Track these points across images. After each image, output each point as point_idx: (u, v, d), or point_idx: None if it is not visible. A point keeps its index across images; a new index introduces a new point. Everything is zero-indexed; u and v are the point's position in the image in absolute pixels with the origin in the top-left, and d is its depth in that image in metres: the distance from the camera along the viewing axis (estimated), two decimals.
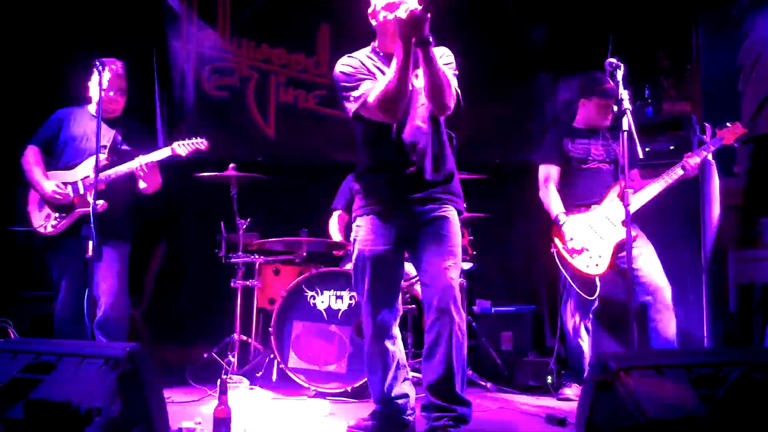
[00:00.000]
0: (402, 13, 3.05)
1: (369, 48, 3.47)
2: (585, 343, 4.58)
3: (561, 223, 4.50)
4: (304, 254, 5.10)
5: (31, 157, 4.46)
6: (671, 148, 5.10)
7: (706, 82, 5.75)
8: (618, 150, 4.52)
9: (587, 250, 4.42)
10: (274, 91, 6.39)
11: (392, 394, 3.43)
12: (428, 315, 3.27)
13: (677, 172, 4.42)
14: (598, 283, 4.45)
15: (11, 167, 4.57)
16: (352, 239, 3.49)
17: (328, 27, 6.30)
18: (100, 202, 4.26)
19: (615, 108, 4.07)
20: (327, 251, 5.37)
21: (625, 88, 3.63)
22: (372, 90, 3.23)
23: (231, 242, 5.13)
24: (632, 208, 4.31)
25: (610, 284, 4.58)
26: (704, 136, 5.08)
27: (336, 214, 5.47)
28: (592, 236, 4.43)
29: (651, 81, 5.97)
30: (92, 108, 4.50)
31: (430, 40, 3.11)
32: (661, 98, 5.98)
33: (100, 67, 4.05)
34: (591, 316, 4.60)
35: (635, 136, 3.53)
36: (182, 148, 4.47)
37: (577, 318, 4.56)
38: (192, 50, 6.34)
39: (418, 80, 3.31)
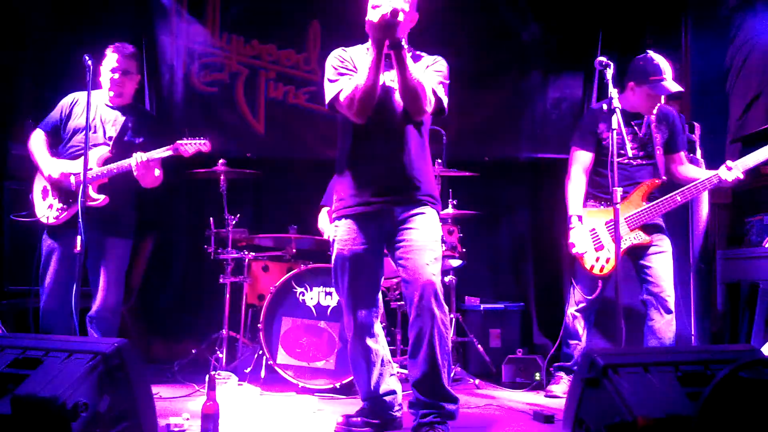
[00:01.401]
0: (374, 16, 3.09)
1: (367, 43, 3.45)
2: (581, 328, 4.53)
3: (571, 227, 4.42)
4: (294, 250, 5.09)
5: (36, 140, 4.46)
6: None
7: (695, 82, 5.77)
8: (656, 143, 4.44)
9: (596, 251, 4.38)
10: (264, 87, 6.37)
11: (379, 391, 3.43)
12: (410, 312, 3.27)
13: (710, 184, 4.31)
14: (600, 284, 4.42)
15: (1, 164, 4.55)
16: (330, 239, 3.50)
17: (318, 24, 6.28)
18: (101, 197, 4.25)
19: (662, 101, 4.03)
20: (316, 248, 5.37)
21: (614, 87, 3.64)
22: (345, 87, 3.27)
23: (220, 238, 5.12)
24: (655, 214, 4.31)
25: (611, 283, 4.56)
26: (693, 136, 5.10)
27: (325, 210, 5.46)
28: (605, 236, 4.40)
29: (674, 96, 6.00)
30: (103, 95, 4.48)
31: (403, 44, 3.16)
32: None
33: (89, 62, 4.02)
34: (593, 312, 4.57)
35: (624, 133, 3.55)
36: (187, 146, 4.42)
37: (582, 306, 4.52)
38: (181, 45, 6.31)
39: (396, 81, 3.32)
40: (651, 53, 3.77)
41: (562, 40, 6.21)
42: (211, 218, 5.11)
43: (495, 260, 6.28)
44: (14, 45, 5.74)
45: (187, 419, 3.41)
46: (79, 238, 3.69)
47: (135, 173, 4.28)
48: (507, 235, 6.34)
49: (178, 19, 6.32)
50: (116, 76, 4.43)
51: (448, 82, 3.45)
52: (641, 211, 4.34)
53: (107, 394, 2.67)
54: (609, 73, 3.66)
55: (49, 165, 4.34)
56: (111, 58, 4.43)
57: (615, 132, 3.56)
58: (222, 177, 5.02)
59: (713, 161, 4.65)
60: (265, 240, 5.20)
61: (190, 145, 4.43)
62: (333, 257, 3.44)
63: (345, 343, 4.53)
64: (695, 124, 5.21)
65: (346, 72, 3.37)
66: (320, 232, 5.28)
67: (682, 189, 4.33)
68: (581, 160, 4.54)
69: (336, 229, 3.44)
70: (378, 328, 3.47)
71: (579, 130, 4.63)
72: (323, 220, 5.40)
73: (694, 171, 4.53)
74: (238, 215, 5.07)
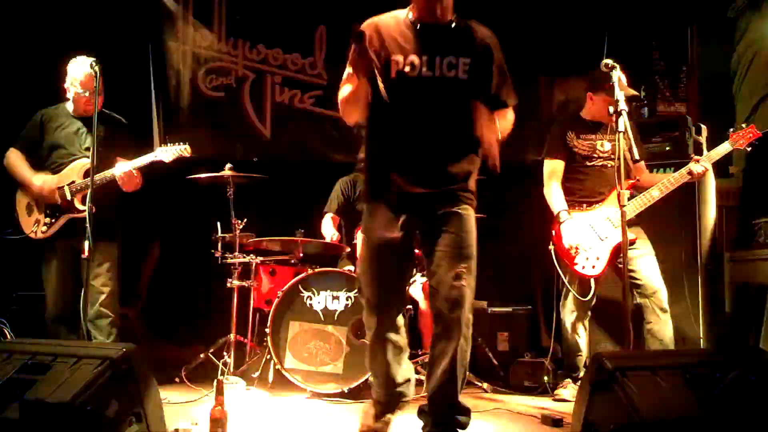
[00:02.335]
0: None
1: (406, 13, 3.20)
2: (582, 340, 4.57)
3: (562, 220, 4.45)
4: (301, 254, 5.09)
5: (14, 157, 4.46)
6: (667, 148, 5.11)
7: (702, 83, 5.77)
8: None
9: (585, 250, 4.41)
10: (270, 91, 6.38)
11: (396, 381, 3.30)
12: (435, 323, 3.16)
13: (683, 177, 4.39)
14: (593, 285, 4.44)
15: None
16: (359, 230, 3.42)
17: (324, 28, 6.29)
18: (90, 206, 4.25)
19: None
20: (323, 251, 5.37)
21: (621, 90, 3.64)
22: (342, 89, 3.17)
23: (227, 242, 5.12)
24: (634, 210, 4.35)
25: (607, 284, 4.58)
26: (699, 138, 5.10)
27: (328, 216, 5.46)
28: (591, 236, 4.41)
29: (646, 82, 5.99)
30: (69, 106, 4.49)
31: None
32: (656, 99, 5.99)
33: (96, 68, 4.03)
34: (589, 314, 4.59)
35: (631, 136, 3.55)
36: (166, 154, 4.44)
37: (575, 316, 4.55)
38: (188, 50, 6.33)
39: (441, 70, 3.12)
40: (607, 61, 3.77)
41: (568, 44, 6.20)
42: (218, 222, 5.12)
43: (502, 263, 6.26)
44: (13, 48, 5.77)
45: (196, 424, 3.41)
46: (87, 242, 3.71)
47: (121, 182, 4.31)
48: (514, 239, 6.33)
49: (184, 24, 6.35)
50: (87, 94, 4.39)
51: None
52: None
53: (115, 399, 2.68)
54: (615, 75, 3.66)
55: (37, 180, 4.34)
56: (83, 70, 4.37)
57: (622, 134, 3.55)
58: (229, 181, 5.03)
59: (720, 163, 4.64)
60: (272, 244, 5.20)
61: (171, 152, 4.44)
62: (360, 246, 3.33)
63: (353, 347, 4.55)
64: (702, 125, 5.20)
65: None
66: (323, 236, 5.29)
67: (658, 183, 4.40)
68: (554, 169, 4.61)
69: (365, 217, 3.27)
70: (401, 320, 3.29)
71: (550, 141, 4.71)
72: (326, 224, 5.40)
73: (651, 178, 4.60)
74: (245, 219, 5.07)
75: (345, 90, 3.14)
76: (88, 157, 4.36)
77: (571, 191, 4.58)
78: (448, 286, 3.10)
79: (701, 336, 4.84)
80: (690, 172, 4.38)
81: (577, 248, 4.41)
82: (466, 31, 3.18)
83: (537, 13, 6.22)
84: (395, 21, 3.18)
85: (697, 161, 4.41)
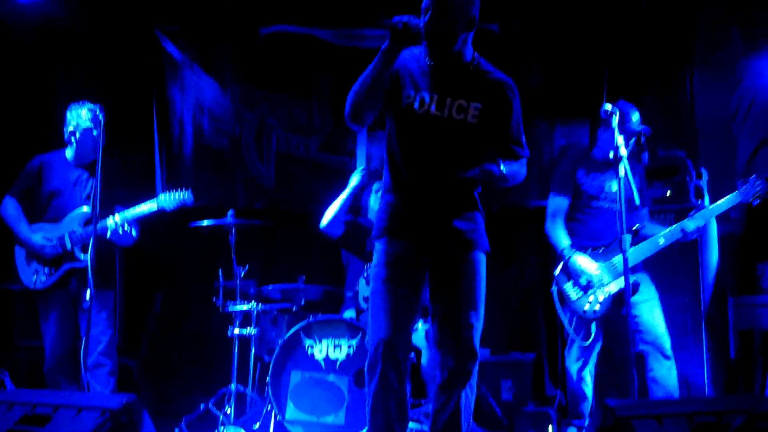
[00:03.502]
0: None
1: (425, 50, 3.15)
2: (588, 387, 4.50)
3: (566, 257, 4.36)
4: (302, 302, 5.07)
5: (12, 209, 4.44)
6: (668, 193, 5.11)
7: (701, 127, 5.79)
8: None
9: (587, 293, 4.36)
10: (274, 138, 6.43)
11: None
12: (441, 371, 3.09)
13: (675, 235, 4.31)
14: (594, 328, 4.39)
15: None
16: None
17: (327, 75, 6.36)
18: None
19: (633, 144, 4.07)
20: (325, 298, 5.35)
21: (620, 134, 3.66)
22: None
23: (229, 290, 5.11)
24: (639, 256, 4.30)
25: (612, 331, 4.54)
26: (700, 182, 5.10)
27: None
28: (594, 279, 4.36)
29: (646, 125, 6.03)
30: (69, 153, 4.50)
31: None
32: (656, 144, 6.01)
33: (100, 115, 4.07)
34: (594, 360, 4.53)
35: (632, 181, 3.55)
36: (168, 202, 4.42)
37: (581, 363, 4.49)
38: (192, 99, 6.39)
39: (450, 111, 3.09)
40: (607, 106, 3.78)
41: (567, 87, 6.25)
42: (220, 270, 5.11)
43: (505, 309, 6.23)
44: (20, 97, 5.83)
45: None
46: (88, 291, 3.71)
47: (108, 235, 4.29)
48: (517, 284, 6.31)
49: (189, 73, 6.42)
50: (95, 133, 4.41)
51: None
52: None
53: None
54: (615, 120, 3.68)
55: (37, 240, 4.33)
56: (87, 117, 4.40)
57: (623, 180, 3.56)
58: (231, 228, 5.03)
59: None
60: (274, 291, 5.18)
61: (174, 199, 4.43)
62: (371, 270, 3.20)
63: (354, 396, 4.50)
64: (702, 170, 5.21)
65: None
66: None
67: (664, 232, 4.31)
68: (558, 205, 4.52)
69: (377, 252, 3.17)
70: (406, 366, 3.13)
71: (557, 176, 4.64)
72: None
73: (656, 228, 4.49)
74: (247, 266, 5.06)
75: (361, 77, 3.01)
76: (88, 205, 4.36)
77: (575, 232, 4.49)
78: (457, 334, 3.06)
79: (706, 383, 4.79)
80: (683, 231, 4.28)
81: (579, 289, 4.36)
82: (483, 75, 3.15)
83: (534, 55, 6.28)
84: (413, 56, 3.15)
85: (690, 217, 4.30)
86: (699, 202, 4.92)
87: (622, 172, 3.56)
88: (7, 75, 5.76)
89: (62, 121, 4.52)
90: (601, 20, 6.14)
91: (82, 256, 4.27)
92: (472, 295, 3.09)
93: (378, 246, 3.17)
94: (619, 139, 3.62)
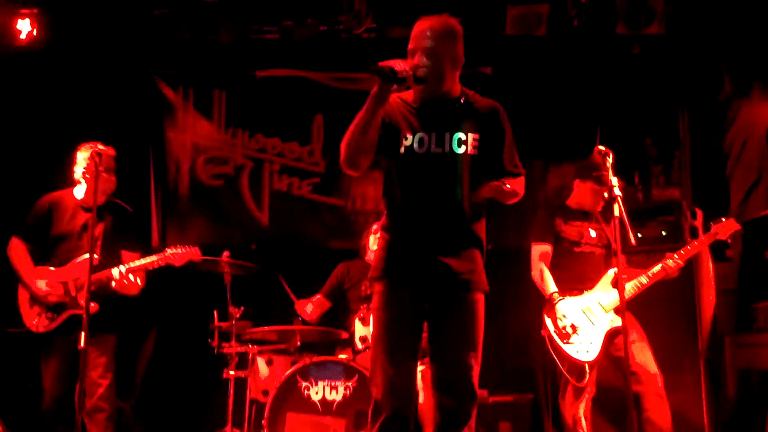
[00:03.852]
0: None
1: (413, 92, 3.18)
2: (584, 430, 4.48)
3: (555, 302, 4.41)
4: (298, 343, 5.03)
5: (18, 251, 4.41)
6: (663, 233, 5.13)
7: (695, 168, 5.83)
8: (610, 234, 4.51)
9: (578, 334, 4.36)
10: (268, 179, 6.45)
11: None
12: (440, 413, 3.05)
13: (658, 273, 4.39)
14: (587, 369, 4.37)
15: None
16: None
17: (322, 116, 6.40)
18: (93, 304, 4.23)
19: (606, 196, 4.13)
20: (321, 340, 5.31)
21: (614, 175, 3.68)
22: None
23: (224, 331, 5.07)
24: (626, 296, 4.31)
25: (606, 372, 4.52)
26: (695, 223, 5.12)
27: (316, 298, 5.42)
28: (584, 321, 4.38)
29: (640, 167, 6.07)
30: (79, 193, 4.49)
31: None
32: (650, 185, 6.05)
33: (98, 158, 4.07)
34: (588, 402, 4.51)
35: (627, 222, 3.56)
36: (176, 258, 4.43)
37: (576, 405, 4.47)
38: (187, 140, 6.43)
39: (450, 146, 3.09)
40: (601, 147, 3.83)
41: (560, 128, 6.31)
42: (215, 311, 5.08)
43: (502, 350, 6.19)
44: (17, 140, 5.86)
45: None
46: (82, 334, 3.68)
47: (113, 285, 4.28)
48: (514, 325, 6.27)
49: (184, 115, 6.47)
50: (110, 175, 4.44)
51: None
52: (612, 294, 4.36)
53: None
54: (608, 161, 3.70)
55: (41, 286, 4.29)
56: (104, 157, 4.35)
57: (618, 220, 3.57)
58: (226, 269, 5.01)
59: (717, 247, 4.66)
60: (269, 333, 5.15)
61: (181, 255, 4.43)
62: (372, 312, 3.16)
63: None
64: (697, 210, 5.23)
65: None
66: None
67: (646, 272, 4.39)
68: (540, 252, 4.62)
69: (376, 293, 3.13)
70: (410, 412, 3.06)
71: (536, 225, 4.74)
72: (308, 305, 5.33)
73: (636, 271, 4.54)
74: (242, 307, 5.03)
75: (353, 123, 3.00)
76: (95, 254, 4.33)
77: (560, 278, 4.55)
78: (456, 376, 3.03)
79: (705, 423, 4.75)
80: (665, 269, 4.38)
81: (570, 332, 4.36)
82: (473, 106, 3.17)
83: (528, 99, 6.34)
84: (402, 99, 3.18)
85: (672, 257, 4.40)
86: (694, 242, 4.94)
87: (617, 212, 3.57)
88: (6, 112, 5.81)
89: (71, 160, 4.52)
90: (594, 65, 6.23)
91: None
92: (470, 336, 3.06)
93: (378, 287, 3.14)
94: (614, 179, 3.63)
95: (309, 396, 4.58)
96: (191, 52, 6.19)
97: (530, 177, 6.19)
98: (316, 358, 4.72)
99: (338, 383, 4.58)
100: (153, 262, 4.38)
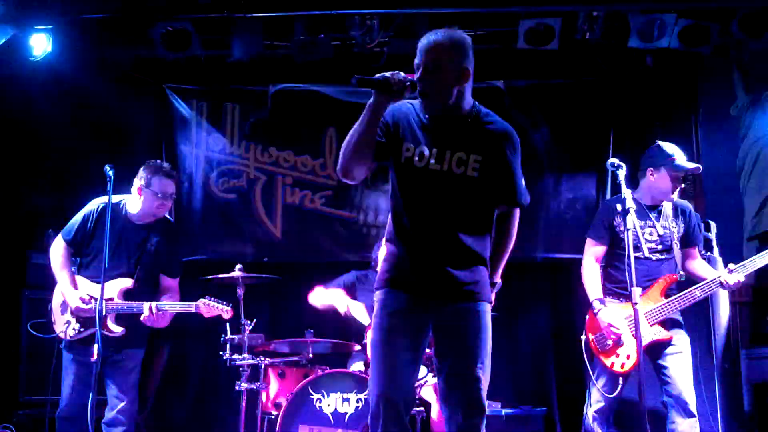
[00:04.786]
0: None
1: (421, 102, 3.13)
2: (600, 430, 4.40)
3: (596, 311, 4.30)
4: (310, 355, 5.03)
5: (57, 253, 4.38)
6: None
7: (708, 179, 5.81)
8: (673, 237, 4.36)
9: (619, 346, 4.29)
10: (281, 193, 6.47)
11: None
12: (449, 426, 3.02)
13: (716, 285, 4.26)
14: (620, 381, 4.30)
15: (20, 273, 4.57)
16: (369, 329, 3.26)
17: (334, 130, 6.43)
18: (120, 329, 4.25)
19: (683, 185, 4.06)
20: (333, 352, 5.31)
21: (627, 188, 3.67)
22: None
23: (236, 344, 5.07)
24: (676, 307, 4.23)
25: (632, 383, 4.44)
26: (709, 234, 5.08)
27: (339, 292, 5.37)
28: (626, 332, 4.26)
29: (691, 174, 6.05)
30: (131, 207, 4.43)
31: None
32: None
33: (111, 173, 4.09)
34: (611, 412, 4.43)
35: (640, 235, 3.54)
36: (208, 309, 4.43)
37: (600, 414, 4.37)
38: (200, 154, 6.47)
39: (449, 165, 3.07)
40: (660, 142, 3.81)
41: (573, 141, 6.31)
42: (227, 323, 5.09)
43: (515, 362, 6.17)
44: (34, 154, 5.93)
45: None
46: (96, 346, 3.70)
47: (142, 318, 4.28)
48: (527, 337, 6.26)
49: (198, 129, 6.51)
50: (168, 202, 4.46)
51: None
52: (660, 306, 4.25)
53: None
54: (621, 174, 3.69)
55: (74, 300, 4.27)
56: (165, 184, 4.39)
57: (630, 232, 3.56)
58: (239, 282, 5.02)
59: (730, 259, 4.62)
60: (281, 345, 5.15)
61: (213, 308, 4.44)
62: (372, 319, 3.14)
63: None
64: (710, 222, 5.21)
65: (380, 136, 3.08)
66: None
67: (701, 284, 4.26)
68: (594, 251, 4.47)
69: (378, 302, 3.12)
70: (407, 418, 3.05)
71: (594, 223, 4.57)
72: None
73: (702, 268, 4.44)
74: (255, 320, 5.04)
75: (349, 133, 3.03)
76: (132, 276, 4.36)
77: (611, 279, 4.43)
78: (463, 389, 3.00)
79: None
80: (721, 283, 4.22)
81: (611, 342, 4.27)
82: (482, 126, 3.09)
83: (540, 111, 6.35)
84: (412, 110, 3.14)
85: (731, 272, 4.21)
86: (707, 254, 4.90)
87: (630, 224, 3.56)
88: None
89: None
90: (606, 78, 6.23)
91: (113, 327, 4.25)
92: (477, 348, 3.02)
93: (379, 296, 3.12)
94: (627, 192, 3.62)
95: (321, 408, 4.57)
96: (204, 67, 6.23)
97: (543, 189, 6.27)
98: (328, 371, 4.72)
99: (350, 395, 4.56)
100: (183, 307, 4.40)
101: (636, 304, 3.48)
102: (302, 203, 6.45)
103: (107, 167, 4.08)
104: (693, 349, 4.34)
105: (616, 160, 3.74)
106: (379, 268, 3.22)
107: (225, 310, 4.47)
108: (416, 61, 3.03)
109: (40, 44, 5.60)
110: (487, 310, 3.10)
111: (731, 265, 4.25)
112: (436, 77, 2.98)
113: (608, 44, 5.68)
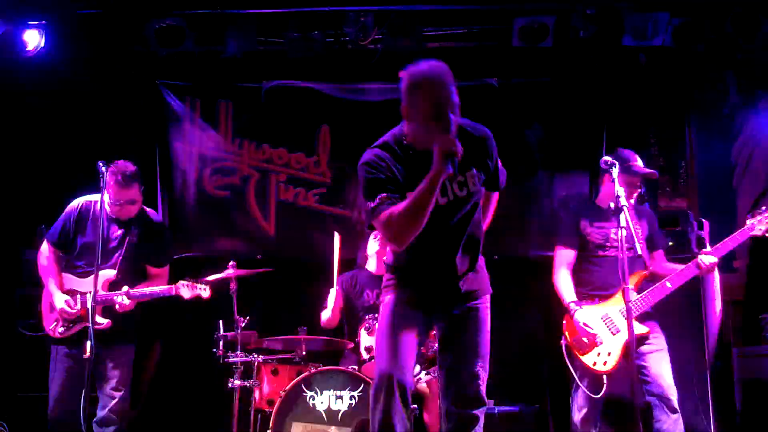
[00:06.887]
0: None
1: (399, 132, 3.11)
2: None
3: (572, 312, 4.38)
4: (303, 353, 5.03)
5: (45, 256, 4.47)
6: (670, 243, 5.11)
7: (701, 178, 5.82)
8: (638, 237, 4.39)
9: (597, 344, 4.32)
10: (275, 190, 6.46)
11: None
12: (447, 420, 3.11)
13: (691, 270, 4.33)
14: (605, 381, 4.33)
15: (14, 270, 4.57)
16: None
17: (328, 128, 6.41)
18: (104, 321, 4.26)
19: (640, 189, 4.10)
20: (326, 349, 5.31)
21: (620, 186, 3.68)
22: (385, 210, 2.92)
23: (229, 341, 5.06)
24: (648, 302, 4.29)
25: (618, 381, 4.48)
26: (702, 233, 5.11)
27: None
28: (603, 331, 4.33)
29: (646, 178, 6.05)
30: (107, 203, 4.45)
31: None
32: (656, 195, 6.04)
33: (103, 169, 4.10)
34: (599, 411, 4.45)
35: (634, 232, 3.56)
36: (186, 289, 4.48)
37: (585, 414, 4.42)
38: (194, 151, 6.45)
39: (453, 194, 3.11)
40: (607, 158, 3.81)
41: (567, 139, 6.32)
42: (220, 321, 5.08)
43: (507, 360, 6.15)
44: (27, 151, 5.91)
45: None
46: (88, 343, 3.70)
47: (116, 308, 4.31)
48: (519, 334, 6.26)
49: (191, 126, 6.49)
50: (130, 206, 4.46)
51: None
52: (635, 301, 4.29)
53: None
54: (615, 171, 3.71)
55: (56, 296, 4.35)
56: (119, 193, 4.37)
57: (623, 229, 3.58)
58: (232, 279, 5.02)
59: (724, 257, 4.64)
60: (275, 342, 5.15)
61: (188, 288, 4.48)
62: (380, 312, 3.26)
63: None
64: (703, 221, 5.22)
65: (383, 185, 2.99)
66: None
67: (671, 275, 4.35)
68: (566, 257, 4.55)
69: (386, 299, 3.23)
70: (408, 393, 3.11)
71: (561, 229, 4.67)
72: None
73: (670, 266, 4.53)
74: (248, 317, 5.03)
75: (412, 206, 2.90)
76: (115, 268, 4.41)
77: (583, 282, 4.51)
78: (465, 384, 3.10)
79: None
80: (698, 265, 4.31)
81: (588, 342, 4.31)
82: (465, 139, 2.99)
83: (533, 109, 6.35)
84: (393, 150, 3.07)
85: (707, 254, 4.32)
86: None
87: (623, 222, 3.57)
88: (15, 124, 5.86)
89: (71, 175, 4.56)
90: (600, 76, 6.24)
91: (99, 320, 4.26)
92: (478, 345, 3.14)
93: (387, 298, 3.23)
94: (620, 190, 3.64)
95: (314, 406, 4.57)
96: (198, 64, 6.22)
97: (536, 187, 6.28)
98: (322, 368, 4.72)
99: (343, 393, 4.57)
100: (162, 290, 4.44)
101: (629, 302, 3.50)
102: (296, 200, 6.43)
103: (100, 163, 4.10)
104: (686, 347, 4.38)
105: (609, 158, 3.76)
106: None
107: (203, 288, 4.51)
108: (432, 101, 2.91)
109: (33, 40, 5.59)
110: (488, 301, 3.24)
111: (708, 248, 4.37)
112: (445, 115, 2.89)
113: (602, 42, 5.68)
